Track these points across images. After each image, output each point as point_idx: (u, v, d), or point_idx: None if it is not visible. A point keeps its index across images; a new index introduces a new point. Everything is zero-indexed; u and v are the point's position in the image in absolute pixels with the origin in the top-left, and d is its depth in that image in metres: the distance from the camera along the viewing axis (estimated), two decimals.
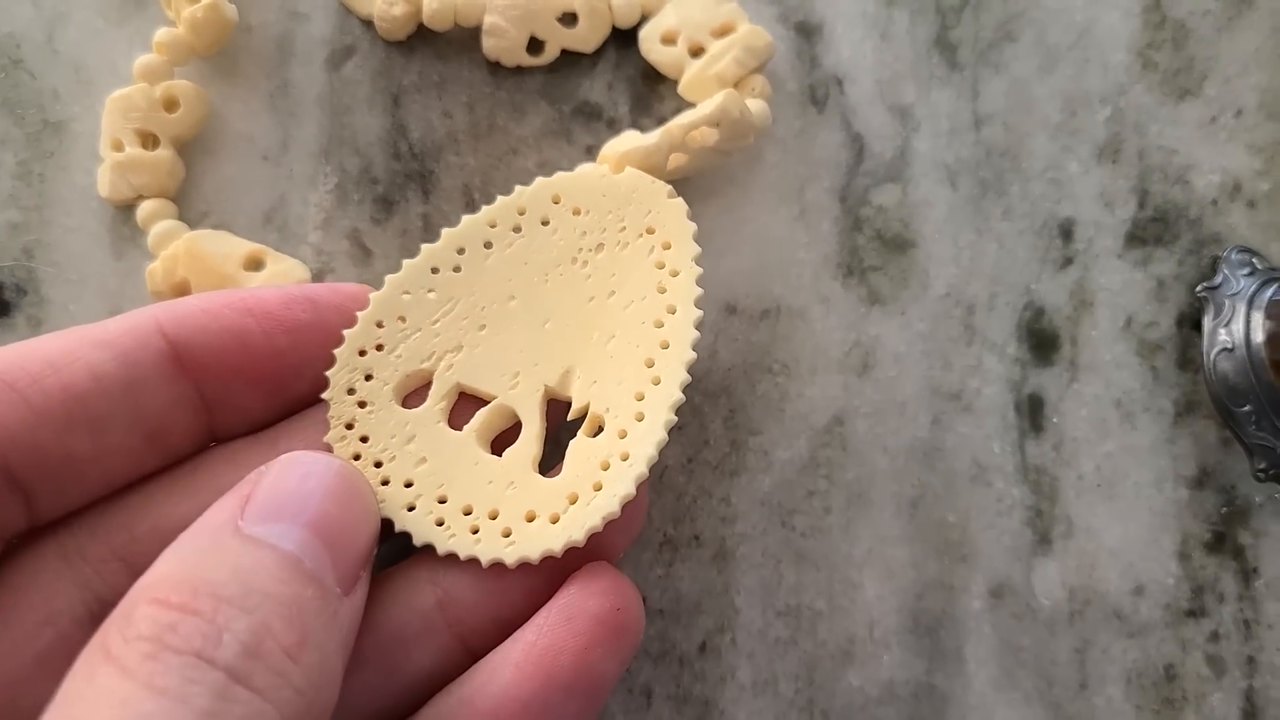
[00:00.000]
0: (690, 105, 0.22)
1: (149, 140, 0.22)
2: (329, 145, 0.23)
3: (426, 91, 0.23)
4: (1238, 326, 0.21)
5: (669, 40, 0.22)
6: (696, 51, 0.22)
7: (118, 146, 0.22)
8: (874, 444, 0.22)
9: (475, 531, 0.18)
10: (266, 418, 0.19)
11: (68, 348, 0.16)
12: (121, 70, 0.22)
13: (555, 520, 0.18)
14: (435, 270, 0.19)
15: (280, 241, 0.22)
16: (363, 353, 0.19)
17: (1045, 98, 0.23)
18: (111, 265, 0.22)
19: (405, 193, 0.22)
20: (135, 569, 0.17)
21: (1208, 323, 0.21)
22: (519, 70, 0.23)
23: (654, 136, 0.20)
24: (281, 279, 0.21)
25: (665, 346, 0.19)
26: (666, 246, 0.19)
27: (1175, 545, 0.22)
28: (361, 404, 0.19)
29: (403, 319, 0.19)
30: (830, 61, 0.23)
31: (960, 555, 0.22)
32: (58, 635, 0.16)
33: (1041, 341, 0.22)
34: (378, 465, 0.18)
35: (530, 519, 0.18)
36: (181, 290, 0.21)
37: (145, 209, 0.21)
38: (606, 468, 0.18)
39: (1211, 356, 0.21)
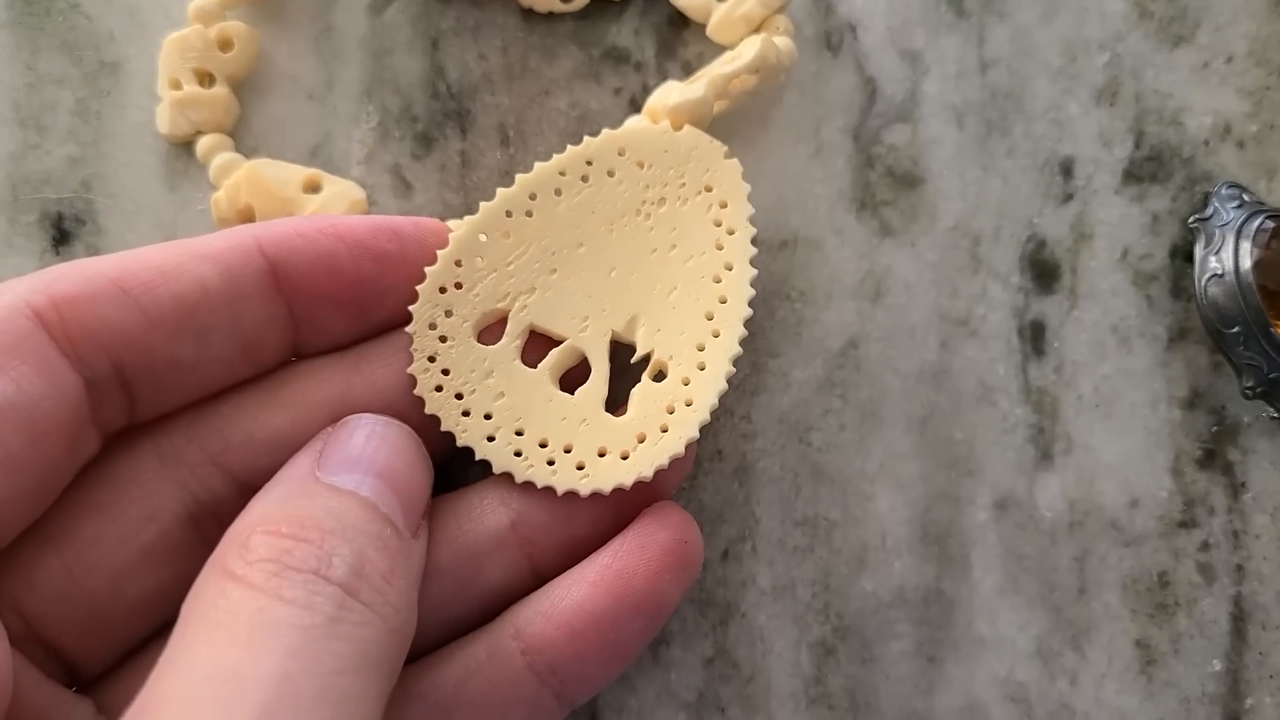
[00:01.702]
0: (717, 47, 0.23)
1: (205, 79, 0.23)
2: (371, 85, 0.24)
3: (463, 35, 0.24)
4: (1227, 254, 0.22)
5: None
6: None
7: (176, 85, 0.23)
8: (886, 366, 0.23)
9: (551, 463, 0.19)
10: (347, 338, 0.20)
11: (176, 259, 0.17)
12: (174, 14, 0.24)
13: (625, 457, 0.19)
14: (509, 214, 0.20)
15: None
16: (443, 290, 0.20)
17: (1047, 44, 0.24)
18: (165, 197, 0.23)
19: (444, 130, 0.24)
20: (229, 473, 0.18)
21: (1199, 251, 0.23)
22: (550, 15, 0.24)
23: (700, 88, 0.21)
24: (339, 200, 0.22)
25: (723, 301, 0.20)
26: (723, 205, 0.21)
27: (1169, 461, 0.23)
28: (443, 339, 0.20)
29: (480, 259, 0.20)
30: (844, 9, 0.24)
31: (967, 470, 0.23)
32: (160, 531, 0.18)
33: (1043, 271, 0.24)
34: (459, 397, 0.20)
35: (602, 454, 0.19)
36: (246, 216, 0.22)
37: (205, 143, 0.22)
38: (671, 411, 0.20)
39: (1202, 282, 0.23)
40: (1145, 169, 0.24)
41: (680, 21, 0.24)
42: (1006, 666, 0.22)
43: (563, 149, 0.21)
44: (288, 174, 0.22)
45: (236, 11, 0.24)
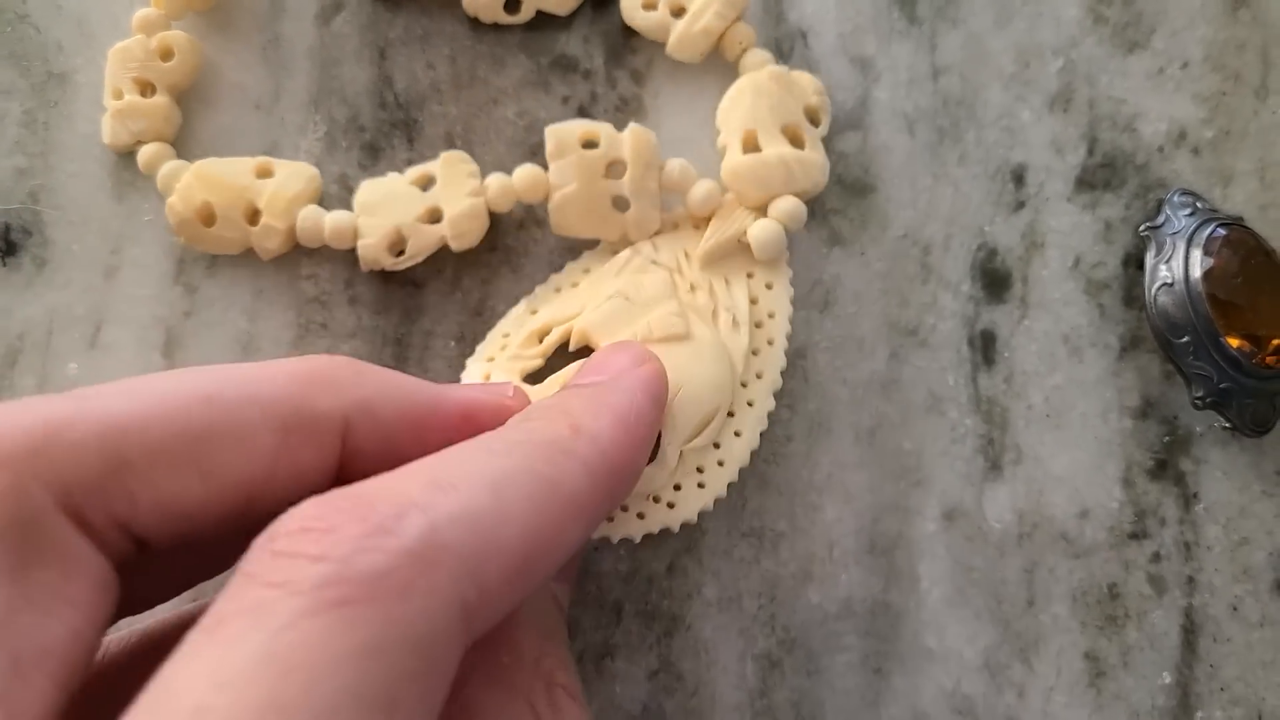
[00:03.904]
0: (678, 62, 0.23)
1: (147, 88, 0.23)
2: (318, 95, 0.24)
3: (411, 45, 0.24)
4: (1177, 263, 0.22)
5: (650, 5, 0.23)
6: (678, 12, 0.23)
7: (118, 95, 0.23)
8: (834, 376, 0.23)
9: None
10: None
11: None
12: (122, 24, 0.24)
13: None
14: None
15: None
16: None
17: (1000, 50, 0.24)
18: (113, 208, 0.23)
19: (391, 140, 0.24)
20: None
21: (1150, 259, 0.23)
22: (499, 24, 0.24)
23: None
24: (295, 178, 0.22)
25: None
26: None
27: (1119, 472, 0.23)
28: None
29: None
30: (795, 16, 0.24)
31: (915, 480, 0.23)
32: None
33: (994, 280, 0.23)
34: None
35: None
36: (205, 213, 0.22)
37: (146, 152, 0.22)
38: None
39: (1153, 291, 0.22)
40: (1098, 176, 0.24)
41: (629, 30, 0.24)
42: (954, 679, 0.22)
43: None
44: (237, 165, 0.22)
45: (183, 21, 0.24)
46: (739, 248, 0.22)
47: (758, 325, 0.22)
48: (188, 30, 0.24)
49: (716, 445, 0.21)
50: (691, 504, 0.21)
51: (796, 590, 0.22)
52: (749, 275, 0.22)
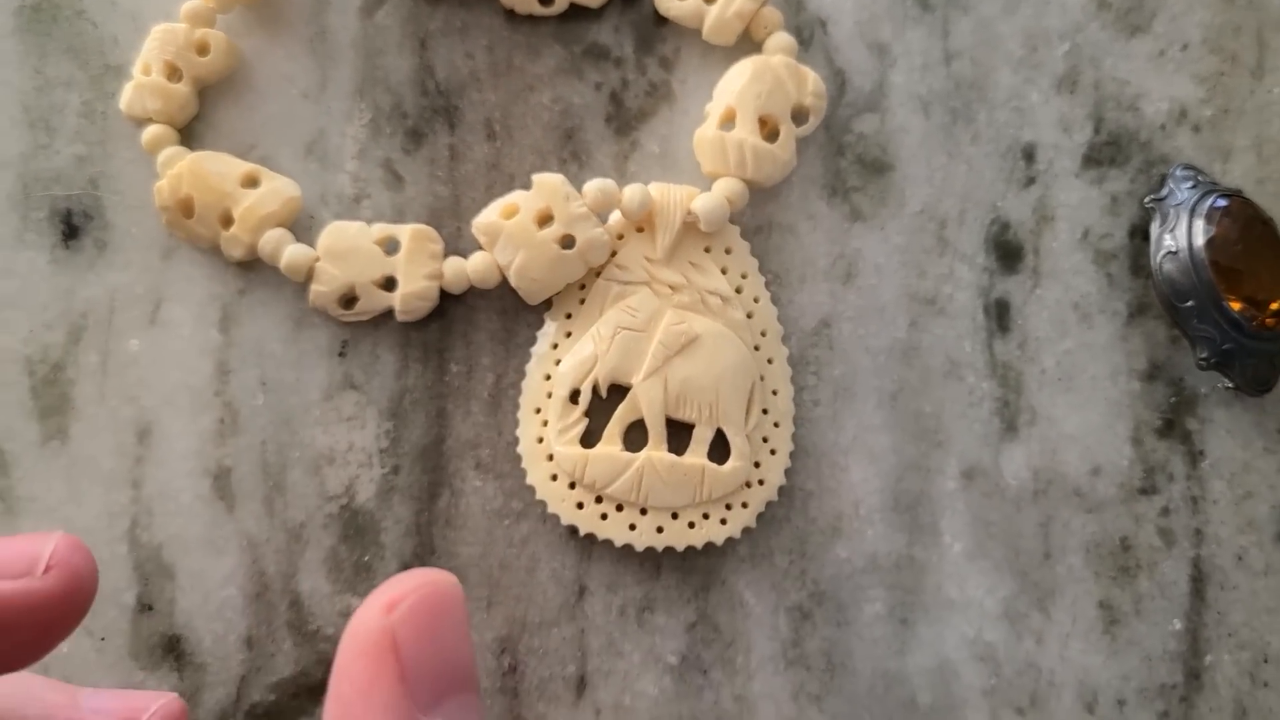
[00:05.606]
0: (693, 42, 0.25)
1: (175, 74, 0.24)
2: (363, 84, 0.25)
3: (450, 35, 0.25)
4: (1181, 232, 0.24)
5: None
6: None
7: (146, 71, 0.24)
8: (857, 344, 0.24)
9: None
10: None
11: None
12: (174, 19, 0.25)
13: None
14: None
15: (321, 170, 0.25)
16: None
17: (1009, 35, 0.25)
18: None
19: (433, 126, 0.25)
20: None
21: (1155, 229, 0.24)
22: (533, 16, 0.25)
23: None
24: (273, 196, 0.23)
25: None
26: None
27: (1129, 431, 0.24)
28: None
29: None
30: (814, 4, 0.25)
31: (936, 441, 0.24)
32: None
33: (1007, 252, 0.25)
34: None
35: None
36: (186, 206, 0.23)
37: (151, 133, 0.24)
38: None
39: (1158, 259, 0.24)
40: (1104, 153, 0.25)
41: (658, 18, 0.25)
42: (975, 627, 0.23)
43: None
44: (228, 168, 0.23)
45: (233, 13, 0.25)
46: (687, 229, 0.23)
47: (739, 291, 0.23)
48: (236, 22, 0.25)
49: (765, 411, 0.23)
50: (776, 470, 0.23)
51: (826, 546, 0.24)
52: (706, 250, 0.24)
